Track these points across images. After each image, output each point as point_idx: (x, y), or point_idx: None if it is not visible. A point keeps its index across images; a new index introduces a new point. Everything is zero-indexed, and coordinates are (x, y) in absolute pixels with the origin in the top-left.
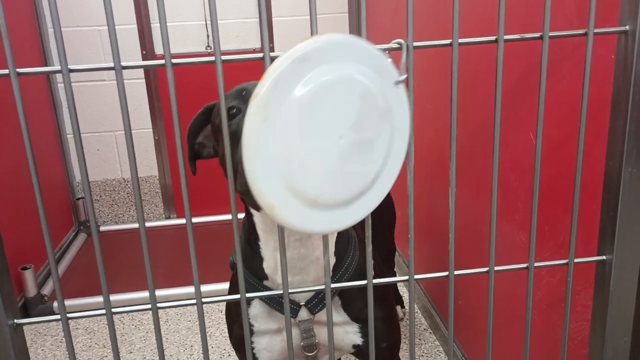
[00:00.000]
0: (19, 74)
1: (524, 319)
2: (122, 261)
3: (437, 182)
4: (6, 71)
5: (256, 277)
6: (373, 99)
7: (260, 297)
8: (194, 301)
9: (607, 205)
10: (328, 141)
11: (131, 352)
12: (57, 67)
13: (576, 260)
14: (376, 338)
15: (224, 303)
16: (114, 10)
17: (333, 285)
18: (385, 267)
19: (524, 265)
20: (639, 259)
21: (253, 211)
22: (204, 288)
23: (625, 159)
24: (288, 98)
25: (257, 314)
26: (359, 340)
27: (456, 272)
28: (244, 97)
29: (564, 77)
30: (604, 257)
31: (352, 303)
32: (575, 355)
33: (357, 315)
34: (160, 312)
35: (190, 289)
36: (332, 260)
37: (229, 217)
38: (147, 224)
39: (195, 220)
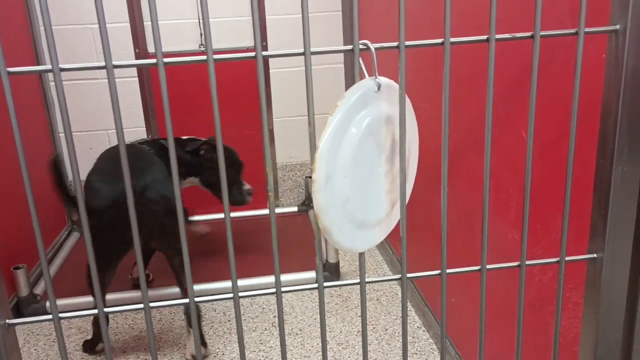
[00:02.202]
0: (9, 73)
1: (516, 316)
2: None
3: (429, 180)
4: None
5: None
6: (395, 127)
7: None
8: (187, 300)
9: (598, 204)
10: (372, 173)
11: (124, 352)
12: (49, 66)
13: (567, 258)
14: None
15: (226, 300)
16: (107, 8)
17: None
18: None
19: (516, 263)
20: (630, 256)
21: None
22: (198, 287)
23: (616, 157)
24: (341, 150)
25: None
26: None
27: (448, 271)
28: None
29: (556, 77)
30: (595, 255)
31: None
32: (567, 352)
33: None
34: (154, 311)
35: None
36: None
37: (221, 215)
38: None
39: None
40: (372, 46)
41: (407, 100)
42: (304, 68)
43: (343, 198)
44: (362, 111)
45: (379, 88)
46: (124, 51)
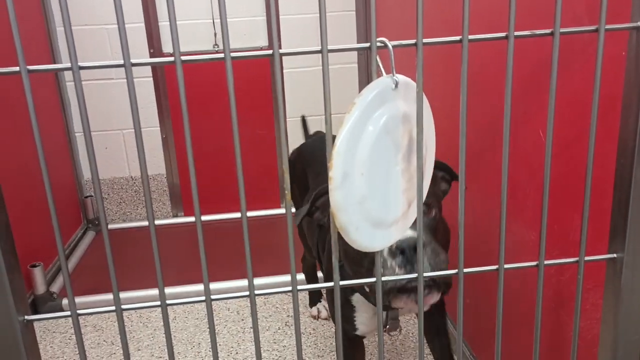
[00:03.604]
0: (29, 71)
1: (533, 317)
2: (129, 259)
3: None
4: (17, 68)
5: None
6: (412, 125)
7: (360, 292)
8: (203, 298)
9: (618, 203)
10: (389, 172)
11: (139, 350)
12: (67, 64)
13: (587, 258)
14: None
15: (239, 299)
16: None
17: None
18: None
19: (534, 263)
20: None
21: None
22: (212, 286)
23: (637, 156)
24: (358, 148)
25: (358, 300)
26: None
27: (465, 270)
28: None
29: (575, 75)
30: (615, 255)
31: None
32: (585, 353)
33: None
34: (168, 309)
35: (198, 287)
36: None
37: (237, 215)
38: (155, 222)
39: (203, 218)
40: (390, 43)
41: (425, 98)
42: (315, 68)
43: (360, 196)
44: (379, 109)
45: (396, 86)
46: (138, 51)
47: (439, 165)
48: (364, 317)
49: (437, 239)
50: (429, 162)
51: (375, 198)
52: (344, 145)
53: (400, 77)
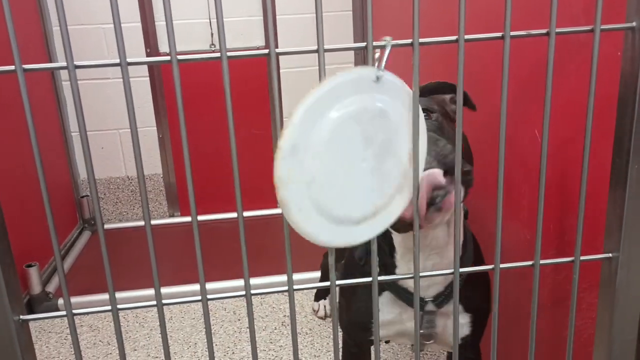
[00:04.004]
0: (25, 70)
1: (529, 317)
2: (125, 259)
3: None
4: (12, 67)
5: (387, 268)
6: (391, 124)
7: (391, 290)
8: (199, 298)
9: (613, 203)
10: (352, 165)
11: (135, 350)
12: (63, 63)
13: (582, 257)
14: (479, 326)
15: (236, 299)
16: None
17: (461, 270)
18: None
19: (530, 262)
20: None
21: (393, 231)
22: (209, 286)
23: (632, 155)
24: (316, 127)
25: (385, 300)
26: (467, 331)
27: (461, 270)
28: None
29: (570, 75)
30: (610, 255)
31: (465, 296)
32: (581, 353)
33: (469, 306)
34: (164, 309)
35: (194, 287)
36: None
37: (234, 215)
38: (152, 222)
39: (199, 218)
40: (390, 42)
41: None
42: (312, 68)
43: (308, 177)
44: (352, 96)
45: (378, 79)
46: (134, 51)
47: (448, 86)
48: (386, 320)
49: (444, 135)
50: (409, 170)
51: (328, 186)
52: (299, 117)
53: (388, 75)
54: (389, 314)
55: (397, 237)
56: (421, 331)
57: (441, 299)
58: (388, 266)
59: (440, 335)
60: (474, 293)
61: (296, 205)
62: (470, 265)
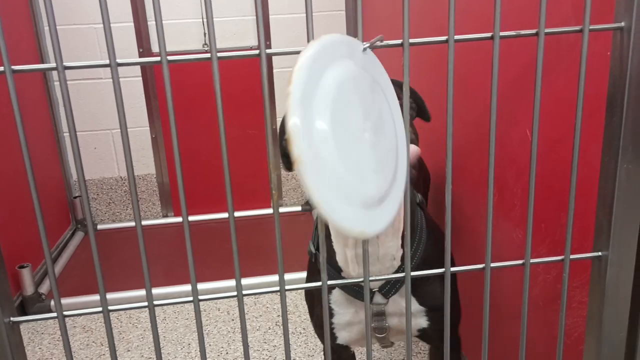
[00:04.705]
0: (14, 71)
1: (521, 315)
2: (120, 260)
3: (432, 178)
4: (1, 68)
5: (334, 268)
6: (372, 85)
7: (339, 286)
8: (191, 298)
9: (602, 202)
10: (358, 138)
11: (129, 350)
12: (53, 64)
13: (572, 256)
14: (441, 320)
15: (230, 299)
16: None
17: (413, 274)
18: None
19: (520, 261)
20: (634, 254)
21: None
22: (202, 286)
23: (621, 155)
24: (320, 83)
25: (337, 300)
26: (424, 323)
27: (453, 269)
28: None
29: (560, 75)
30: (600, 254)
31: (419, 288)
32: (572, 351)
33: (423, 299)
34: (158, 310)
35: (187, 287)
36: (399, 252)
37: (225, 215)
38: (145, 222)
39: (192, 218)
40: (379, 39)
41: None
42: None
43: (323, 133)
44: (346, 59)
45: (365, 51)
46: (127, 51)
47: (395, 83)
48: (344, 321)
49: None
50: (400, 129)
51: (344, 159)
52: (305, 67)
53: (373, 55)
54: (344, 315)
55: None
56: (373, 325)
57: (387, 288)
58: (331, 253)
59: (394, 328)
60: (429, 284)
61: (322, 197)
62: (422, 255)
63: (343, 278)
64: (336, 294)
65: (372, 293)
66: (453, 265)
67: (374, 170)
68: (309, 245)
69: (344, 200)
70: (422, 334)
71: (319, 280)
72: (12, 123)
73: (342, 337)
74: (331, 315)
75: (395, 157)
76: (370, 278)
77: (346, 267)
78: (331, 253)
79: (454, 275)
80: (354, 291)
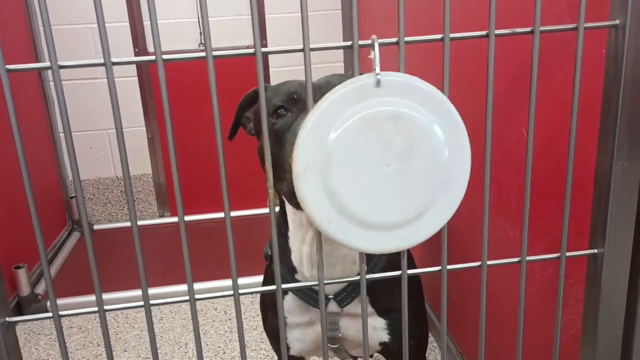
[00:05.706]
0: (8, 70)
1: (517, 313)
2: (115, 260)
3: None
4: None
5: (288, 270)
6: (407, 124)
7: (292, 291)
8: (187, 298)
9: (598, 199)
10: (375, 170)
11: (125, 351)
12: (47, 64)
13: (568, 254)
14: (399, 331)
15: (226, 299)
16: (106, 8)
17: (368, 276)
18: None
19: (516, 259)
20: (630, 252)
21: (287, 204)
22: (198, 286)
23: (616, 153)
24: (326, 144)
25: (290, 307)
26: (385, 337)
27: (449, 267)
28: (295, 100)
29: (556, 74)
30: (596, 251)
31: (379, 298)
32: (568, 348)
33: (384, 309)
34: (155, 310)
35: (184, 287)
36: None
37: (222, 215)
38: (141, 222)
39: (189, 218)
40: (377, 41)
41: (457, 115)
42: (302, 67)
43: (330, 189)
44: (356, 105)
45: (378, 84)
46: (123, 50)
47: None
48: (298, 330)
49: None
50: (451, 196)
51: (352, 193)
52: (305, 140)
53: (387, 76)
54: (298, 323)
55: (290, 214)
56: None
57: (342, 295)
58: (285, 251)
59: (350, 339)
60: (389, 292)
61: (325, 219)
62: (388, 257)
63: (297, 280)
64: (289, 299)
65: (327, 300)
66: (414, 267)
67: (396, 194)
68: (265, 248)
69: (361, 226)
70: (384, 349)
71: (274, 285)
72: (6, 123)
73: (295, 347)
74: (284, 320)
75: (439, 172)
76: (325, 281)
77: (301, 266)
78: (286, 252)
79: (417, 285)
80: (307, 295)
